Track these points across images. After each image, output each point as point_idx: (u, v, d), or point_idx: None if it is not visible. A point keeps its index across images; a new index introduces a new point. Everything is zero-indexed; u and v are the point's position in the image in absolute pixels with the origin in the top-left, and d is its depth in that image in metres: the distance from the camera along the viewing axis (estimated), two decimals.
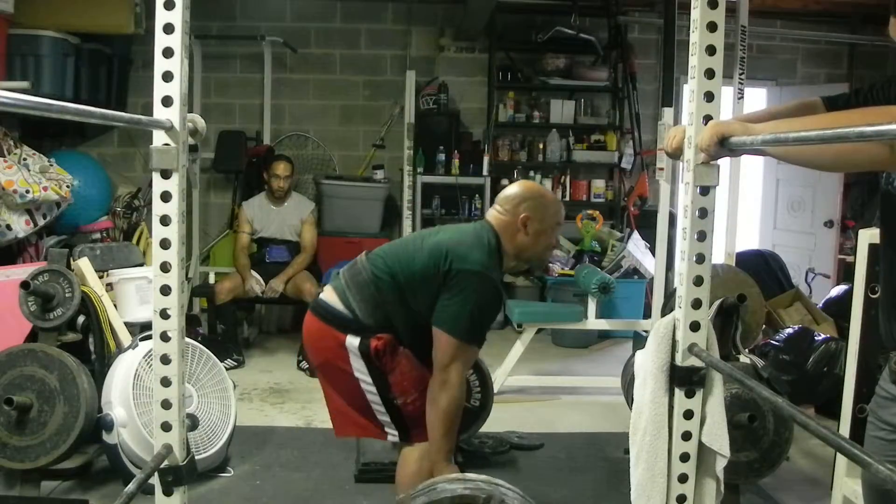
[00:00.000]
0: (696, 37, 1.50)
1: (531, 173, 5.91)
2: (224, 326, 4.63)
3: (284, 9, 5.88)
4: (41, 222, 4.12)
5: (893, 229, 1.52)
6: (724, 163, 1.58)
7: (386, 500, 2.43)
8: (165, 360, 1.52)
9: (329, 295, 2.16)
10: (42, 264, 2.98)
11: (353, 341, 2.06)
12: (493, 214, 2.24)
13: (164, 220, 1.49)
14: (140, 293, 3.42)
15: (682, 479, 1.63)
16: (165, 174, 1.48)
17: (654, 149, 4.64)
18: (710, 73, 1.51)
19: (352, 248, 5.07)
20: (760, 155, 1.69)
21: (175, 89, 1.46)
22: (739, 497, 2.45)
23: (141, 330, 3.18)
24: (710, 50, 1.50)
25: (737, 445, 2.11)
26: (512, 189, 2.27)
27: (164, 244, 1.50)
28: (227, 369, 3.43)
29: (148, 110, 1.52)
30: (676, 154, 1.61)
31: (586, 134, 5.98)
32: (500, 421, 3.42)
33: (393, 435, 2.14)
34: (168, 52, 1.46)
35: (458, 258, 2.04)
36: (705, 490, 1.67)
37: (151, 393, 1.59)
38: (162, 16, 1.46)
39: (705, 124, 1.50)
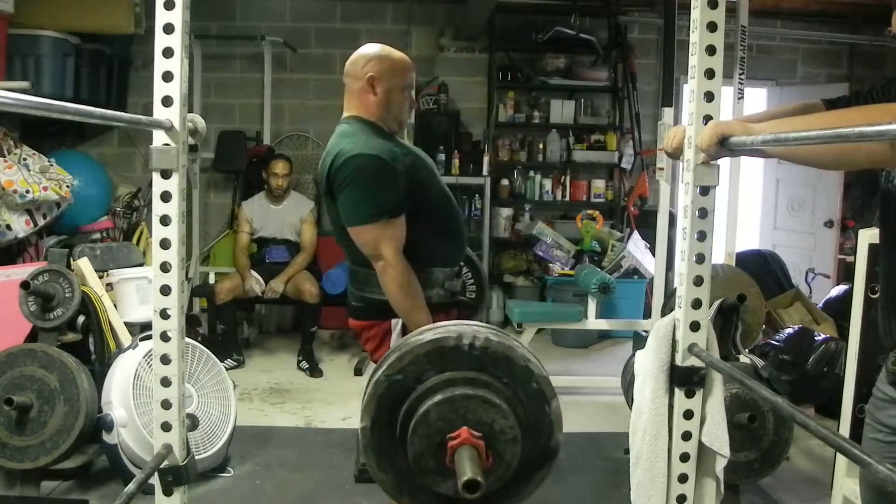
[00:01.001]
0: (696, 37, 1.50)
1: (531, 173, 5.92)
2: (224, 326, 4.63)
3: (284, 9, 5.88)
4: (41, 222, 4.12)
5: (893, 227, 1.52)
6: (724, 163, 1.58)
7: (386, 500, 2.43)
8: (165, 360, 1.52)
9: (352, 301, 2.19)
10: (42, 264, 2.98)
11: (396, 322, 2.07)
12: (345, 100, 2.17)
13: (164, 220, 1.49)
14: (140, 293, 3.42)
15: (682, 479, 1.63)
16: (165, 174, 1.48)
17: (654, 149, 4.64)
18: (710, 73, 1.51)
19: None
20: (761, 157, 1.69)
21: (175, 89, 1.46)
22: (739, 497, 2.45)
23: (141, 330, 3.18)
24: (710, 50, 1.50)
25: (737, 445, 2.11)
26: (356, 53, 2.17)
27: (164, 244, 1.50)
28: (227, 369, 3.43)
29: (148, 110, 1.52)
30: (676, 154, 1.61)
31: (586, 134, 5.98)
32: None
33: None
34: (168, 52, 1.46)
35: (331, 160, 2.01)
36: (705, 490, 1.67)
37: (151, 393, 1.59)
38: (162, 16, 1.45)
39: (705, 124, 1.50)
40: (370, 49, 2.16)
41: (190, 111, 1.53)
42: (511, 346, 1.26)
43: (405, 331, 2.05)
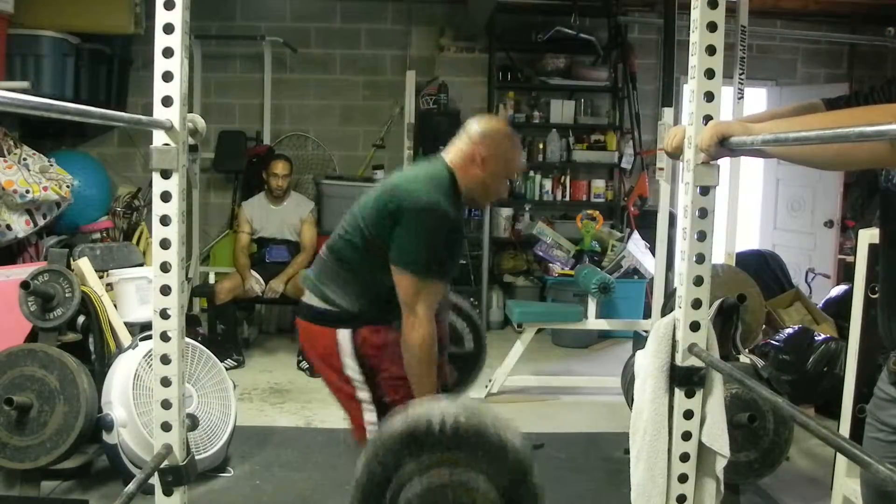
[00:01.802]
0: (696, 37, 1.50)
1: (531, 173, 5.92)
2: (224, 326, 4.63)
3: (284, 9, 5.88)
4: (41, 222, 4.12)
5: (893, 227, 1.52)
6: (724, 163, 1.58)
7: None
8: (165, 360, 1.52)
9: (308, 297, 2.15)
10: (42, 264, 2.98)
11: (343, 333, 2.05)
12: (452, 147, 2.18)
13: (164, 220, 1.49)
14: (140, 293, 3.42)
15: (682, 479, 1.63)
16: (165, 174, 1.48)
17: (654, 149, 4.64)
18: (710, 73, 1.51)
19: None
20: (761, 157, 1.70)
21: (175, 89, 1.46)
22: (739, 497, 2.45)
23: (141, 330, 3.18)
24: (710, 50, 1.50)
25: (737, 445, 2.11)
26: (475, 123, 2.19)
27: (164, 244, 1.50)
28: (227, 369, 3.43)
29: (148, 110, 1.52)
30: (676, 154, 1.61)
31: (586, 134, 5.98)
32: None
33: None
34: (168, 52, 1.46)
35: (407, 194, 2.00)
36: (705, 490, 1.67)
37: (151, 393, 1.59)
38: (162, 16, 1.46)
39: (705, 124, 1.50)
40: (494, 125, 2.20)
41: (190, 111, 1.53)
42: (482, 422, 1.26)
43: (357, 350, 2.04)
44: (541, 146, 5.88)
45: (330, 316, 2.08)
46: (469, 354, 2.87)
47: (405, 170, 2.24)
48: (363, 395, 2.08)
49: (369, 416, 2.10)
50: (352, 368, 2.07)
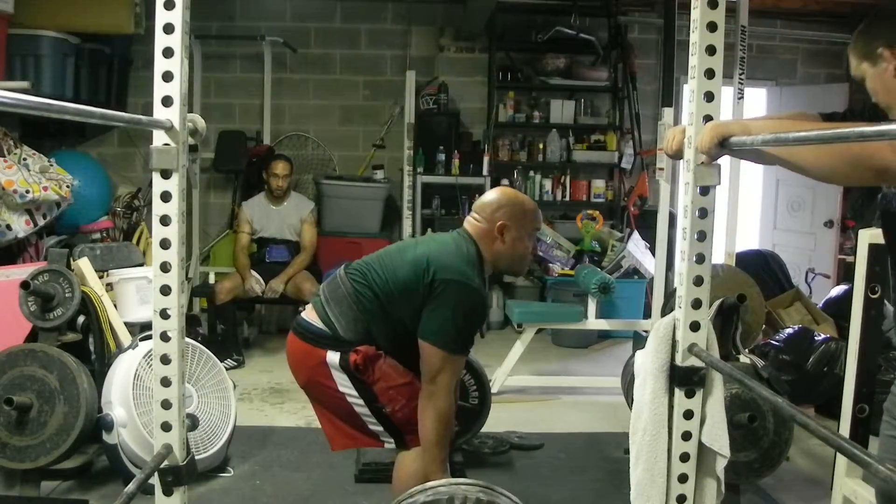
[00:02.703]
0: (696, 37, 1.50)
1: (531, 173, 5.92)
2: (224, 326, 4.63)
3: (284, 9, 5.88)
4: (41, 222, 4.12)
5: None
6: (724, 163, 1.58)
7: (386, 501, 2.43)
8: (165, 360, 1.52)
9: (309, 313, 2.15)
10: (42, 264, 2.98)
11: (333, 357, 2.06)
12: (469, 222, 2.22)
13: (164, 220, 1.49)
14: (140, 293, 3.42)
15: (682, 479, 1.63)
16: (165, 174, 1.48)
17: (654, 149, 4.64)
18: (710, 73, 1.51)
19: (352, 248, 5.08)
20: (760, 162, 1.70)
21: (175, 89, 1.46)
22: (739, 497, 2.45)
23: (141, 330, 3.18)
24: (710, 50, 1.50)
25: (737, 445, 2.11)
26: (488, 196, 2.24)
27: (164, 244, 1.50)
28: (227, 369, 3.43)
29: (148, 110, 1.52)
30: (677, 154, 1.61)
31: (586, 134, 5.98)
32: (500, 421, 3.43)
33: (389, 442, 2.14)
34: (168, 52, 1.46)
35: (441, 269, 2.03)
36: (705, 490, 1.67)
37: (151, 393, 1.59)
38: (162, 16, 1.46)
39: (705, 124, 1.50)
40: (503, 195, 2.23)
41: (190, 111, 1.53)
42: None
43: (349, 367, 2.04)
44: (541, 146, 5.88)
45: (324, 338, 2.09)
46: (472, 410, 2.93)
47: (432, 238, 2.25)
48: (361, 409, 2.10)
49: (374, 427, 2.12)
50: (345, 385, 2.08)
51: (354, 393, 2.08)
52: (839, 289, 4.72)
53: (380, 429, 2.12)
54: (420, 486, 1.35)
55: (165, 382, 1.53)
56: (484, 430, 3.15)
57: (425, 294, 2.02)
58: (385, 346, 2.09)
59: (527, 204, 2.24)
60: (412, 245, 2.22)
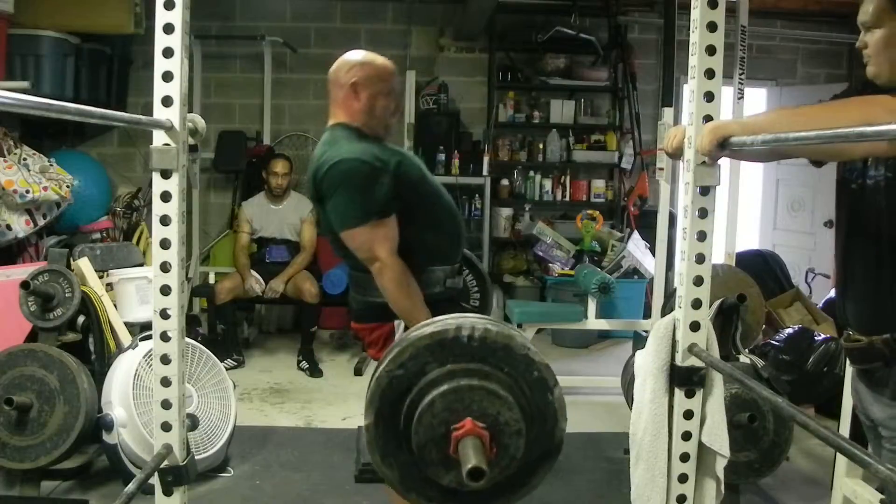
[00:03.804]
0: (696, 37, 1.50)
1: (531, 173, 5.92)
2: (224, 326, 4.63)
3: (284, 9, 5.88)
4: (41, 222, 4.12)
5: (850, 217, 1.63)
6: (724, 163, 1.58)
7: (386, 501, 2.43)
8: (165, 360, 1.52)
9: (353, 299, 2.20)
10: (42, 264, 2.98)
11: (399, 324, 2.08)
12: (330, 101, 2.18)
13: (164, 220, 1.49)
14: (140, 293, 3.42)
15: (682, 479, 1.63)
16: (165, 174, 1.48)
17: (654, 149, 4.64)
18: (710, 73, 1.51)
19: None
20: (761, 161, 1.71)
21: (175, 89, 1.46)
22: (739, 497, 2.45)
23: (141, 330, 3.18)
24: (710, 50, 1.50)
25: (737, 445, 2.11)
26: (337, 62, 2.18)
27: (164, 244, 1.50)
28: (227, 369, 3.43)
29: (148, 110, 1.52)
30: (677, 154, 1.61)
31: (586, 134, 5.98)
32: None
33: None
34: (168, 52, 1.46)
35: (319, 167, 2.03)
36: (705, 490, 1.66)
37: (151, 393, 1.59)
38: (162, 16, 1.45)
39: (705, 124, 1.50)
40: (352, 56, 2.17)
41: (190, 111, 1.53)
42: (510, 335, 1.26)
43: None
44: (541, 146, 5.88)
45: (378, 310, 2.09)
46: (474, 311, 2.85)
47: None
48: None
49: None
50: None
51: None
52: None
53: None
54: (429, 320, 1.34)
55: (165, 382, 1.53)
56: None
57: (324, 196, 2.03)
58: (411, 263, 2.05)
59: (377, 60, 2.17)
60: None
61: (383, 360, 1.30)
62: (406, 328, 2.05)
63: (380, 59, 2.18)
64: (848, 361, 1.62)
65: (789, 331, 3.88)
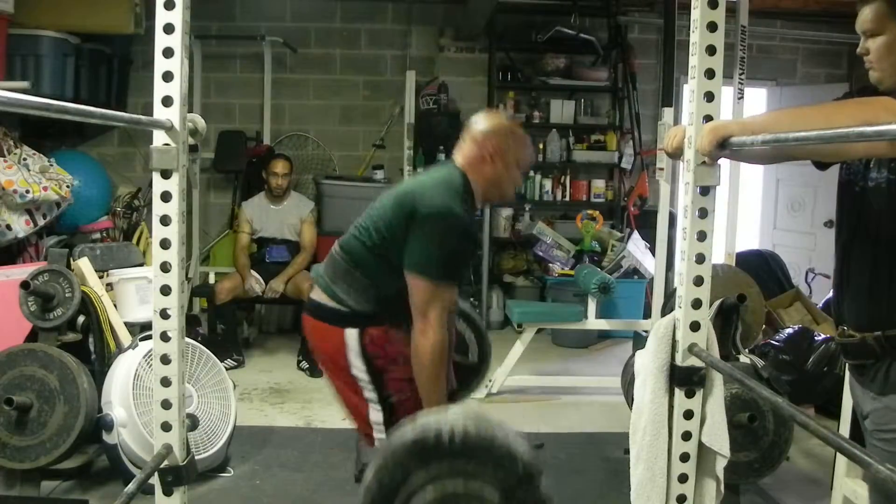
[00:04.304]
0: (696, 37, 1.50)
1: (531, 173, 5.91)
2: (224, 326, 4.63)
3: (284, 9, 5.88)
4: (41, 222, 4.12)
5: (850, 219, 1.65)
6: (724, 163, 1.58)
7: None
8: (165, 360, 1.52)
9: (318, 294, 2.15)
10: (42, 264, 2.98)
11: (351, 335, 2.06)
12: (460, 150, 2.20)
13: (164, 220, 1.49)
14: (140, 293, 3.42)
15: (682, 479, 1.63)
16: (165, 174, 1.48)
17: (654, 149, 4.64)
18: (710, 73, 1.51)
19: None
20: (761, 163, 1.72)
21: (175, 89, 1.46)
22: (739, 497, 2.45)
23: (141, 330, 3.18)
24: (710, 50, 1.50)
25: (737, 445, 2.11)
26: (480, 122, 2.22)
27: (164, 244, 1.50)
28: (227, 369, 3.43)
29: (148, 110, 1.52)
30: (677, 154, 1.61)
31: (586, 134, 5.98)
32: None
33: (382, 439, 2.12)
34: (168, 52, 1.46)
35: (422, 200, 2.02)
36: (705, 490, 1.67)
37: (151, 393, 1.59)
38: (162, 16, 1.46)
39: (705, 124, 1.50)
40: (496, 120, 2.23)
41: (190, 111, 1.53)
42: (491, 435, 1.29)
43: (365, 350, 2.05)
44: (541, 146, 5.88)
45: (339, 315, 2.08)
46: (472, 366, 2.88)
47: (419, 175, 2.25)
48: (370, 394, 2.09)
49: (375, 415, 2.11)
50: (358, 368, 2.07)
51: (366, 378, 2.08)
52: None
53: (380, 418, 2.09)
54: (410, 421, 1.36)
55: (165, 382, 1.53)
56: None
57: (408, 228, 2.01)
58: (398, 303, 2.05)
59: (517, 131, 2.24)
60: (398, 185, 2.22)
61: (370, 468, 1.32)
62: (362, 340, 2.05)
63: (520, 131, 2.25)
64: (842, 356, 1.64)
65: (789, 331, 3.88)
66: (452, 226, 2.01)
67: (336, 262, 2.14)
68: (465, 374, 2.73)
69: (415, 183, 2.15)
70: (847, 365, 1.71)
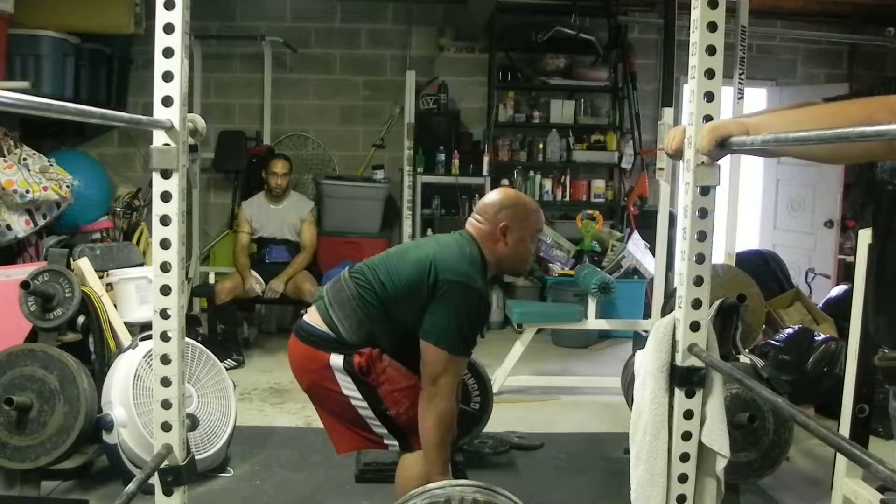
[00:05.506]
0: (696, 37, 1.50)
1: (531, 173, 5.92)
2: (224, 326, 4.63)
3: (284, 9, 5.88)
4: (41, 222, 4.12)
5: (886, 222, 1.52)
6: (724, 163, 1.58)
7: (386, 501, 2.44)
8: (165, 360, 1.52)
9: (312, 316, 2.16)
10: (42, 264, 2.98)
11: (336, 360, 2.06)
12: (472, 224, 2.22)
13: (164, 220, 1.49)
14: (140, 293, 3.42)
15: (682, 479, 1.63)
16: (165, 174, 1.48)
17: (654, 149, 4.64)
18: (710, 73, 1.51)
19: (352, 248, 5.08)
20: (760, 156, 1.70)
21: (175, 89, 1.46)
22: (739, 497, 2.45)
23: (141, 330, 3.18)
24: (710, 50, 1.50)
25: (737, 445, 2.11)
26: (490, 197, 2.25)
27: (164, 244, 1.50)
28: (227, 369, 3.43)
29: (148, 110, 1.52)
30: (677, 155, 1.61)
31: (586, 134, 5.98)
32: (500, 421, 3.42)
33: (393, 445, 2.15)
34: (168, 52, 1.46)
35: (444, 269, 2.03)
36: (705, 490, 1.67)
37: (151, 393, 1.59)
38: (162, 16, 1.46)
39: (705, 124, 1.50)
40: (504, 196, 2.23)
41: (190, 111, 1.53)
42: None
43: (353, 368, 2.05)
44: (541, 146, 5.88)
45: (326, 339, 2.09)
46: (474, 414, 2.92)
47: (437, 241, 2.22)
48: (365, 412, 2.10)
49: (379, 430, 2.12)
50: (349, 388, 2.08)
51: (358, 395, 2.08)
52: (839, 289, 4.72)
53: (384, 431, 2.12)
54: (418, 489, 1.36)
55: (165, 382, 1.53)
56: (484, 429, 3.15)
57: (428, 294, 2.02)
58: (388, 349, 2.09)
59: (529, 205, 2.24)
60: (414, 246, 2.23)
61: None
62: (348, 366, 2.06)
63: (531, 203, 2.26)
64: (885, 382, 1.50)
65: (789, 331, 3.88)
66: (473, 298, 2.04)
67: (342, 289, 2.14)
68: (467, 421, 2.76)
69: (433, 248, 2.12)
70: (892, 391, 1.54)
